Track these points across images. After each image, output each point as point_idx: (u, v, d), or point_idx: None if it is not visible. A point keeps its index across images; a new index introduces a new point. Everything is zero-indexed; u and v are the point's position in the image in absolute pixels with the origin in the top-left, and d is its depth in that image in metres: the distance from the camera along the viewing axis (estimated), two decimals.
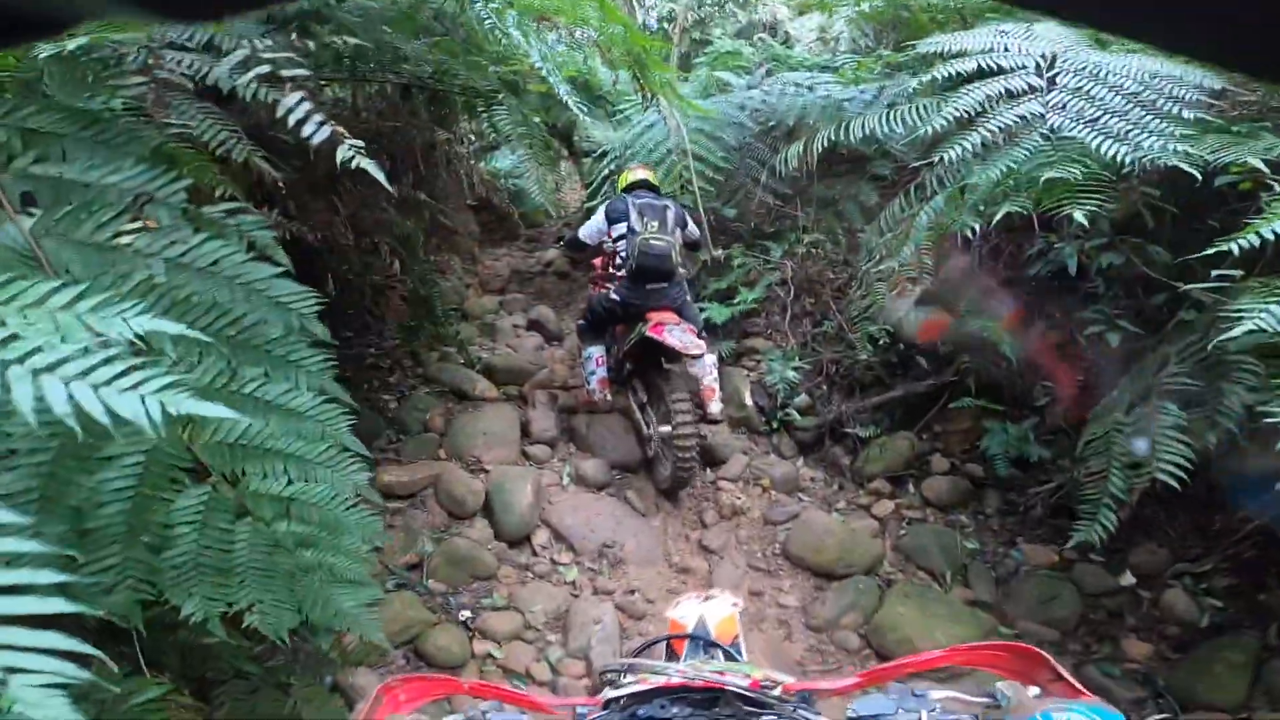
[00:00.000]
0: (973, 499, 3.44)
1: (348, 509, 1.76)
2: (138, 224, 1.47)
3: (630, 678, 1.14)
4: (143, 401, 0.95)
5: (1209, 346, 2.11)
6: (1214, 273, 2.02)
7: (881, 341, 3.55)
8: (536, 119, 3.28)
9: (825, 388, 3.89)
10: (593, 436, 3.72)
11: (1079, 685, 0.91)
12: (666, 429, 3.16)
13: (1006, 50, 2.75)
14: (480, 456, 3.48)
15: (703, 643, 1.54)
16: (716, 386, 3.27)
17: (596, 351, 3.55)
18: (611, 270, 3.45)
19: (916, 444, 3.63)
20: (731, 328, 4.17)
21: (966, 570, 3.18)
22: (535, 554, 3.20)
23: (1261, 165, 2.05)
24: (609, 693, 1.11)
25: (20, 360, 0.93)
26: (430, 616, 2.77)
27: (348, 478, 1.78)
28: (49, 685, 0.73)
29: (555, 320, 4.94)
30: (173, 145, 1.54)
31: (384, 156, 3.48)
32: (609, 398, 3.59)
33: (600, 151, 4.66)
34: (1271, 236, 1.80)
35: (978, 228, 2.65)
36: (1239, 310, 1.81)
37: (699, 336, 3.18)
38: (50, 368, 0.94)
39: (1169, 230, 2.67)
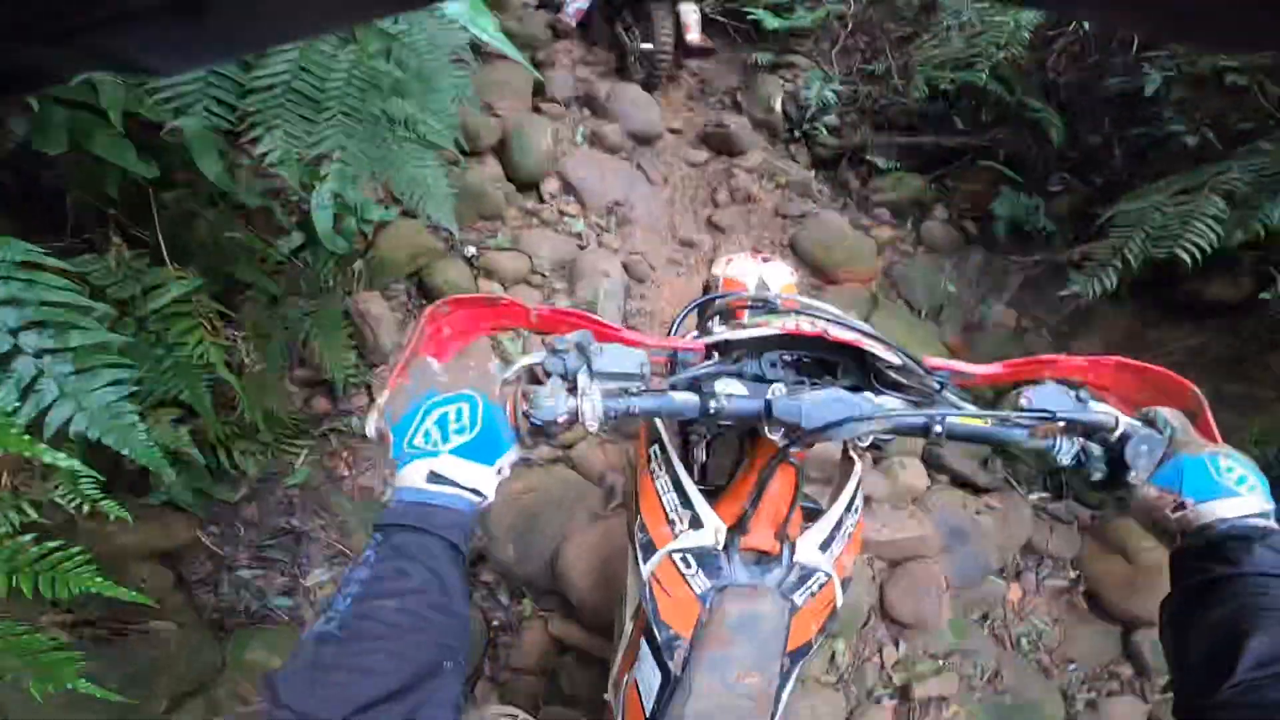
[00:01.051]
0: (960, 250, 3.64)
1: (445, 63, 1.68)
2: None
3: (729, 323, 1.00)
4: None
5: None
6: None
7: (943, 89, 3.48)
8: None
9: (856, 116, 3.87)
10: (612, 104, 3.60)
11: (1217, 433, 0.88)
12: (649, 45, 3.72)
13: None
14: (493, 103, 3.29)
15: (766, 307, 1.40)
16: (695, 22, 3.76)
17: None
18: None
19: (927, 188, 3.75)
20: (774, 40, 4.03)
21: (941, 311, 3.45)
22: (543, 201, 3.19)
23: None
24: (705, 336, 0.98)
25: None
26: (437, 245, 2.74)
27: (450, 32, 1.67)
28: None
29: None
30: None
31: None
32: (574, 24, 3.96)
33: None
34: None
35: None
36: None
37: None
38: None
39: None
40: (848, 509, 1.02)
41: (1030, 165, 3.59)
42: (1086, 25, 3.09)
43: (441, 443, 0.69)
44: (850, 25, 4.02)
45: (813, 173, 3.84)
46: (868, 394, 0.86)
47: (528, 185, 3.20)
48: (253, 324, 1.63)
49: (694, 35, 3.74)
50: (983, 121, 3.69)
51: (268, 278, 1.73)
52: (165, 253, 1.36)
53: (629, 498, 1.09)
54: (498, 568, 2.08)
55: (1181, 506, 0.78)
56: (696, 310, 1.21)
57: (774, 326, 0.89)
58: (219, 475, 1.72)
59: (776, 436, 0.83)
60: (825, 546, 0.96)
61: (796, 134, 3.88)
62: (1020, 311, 3.53)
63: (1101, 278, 2.65)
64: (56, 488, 1.05)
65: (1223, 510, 0.76)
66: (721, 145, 3.74)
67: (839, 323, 0.90)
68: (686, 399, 0.80)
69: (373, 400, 1.54)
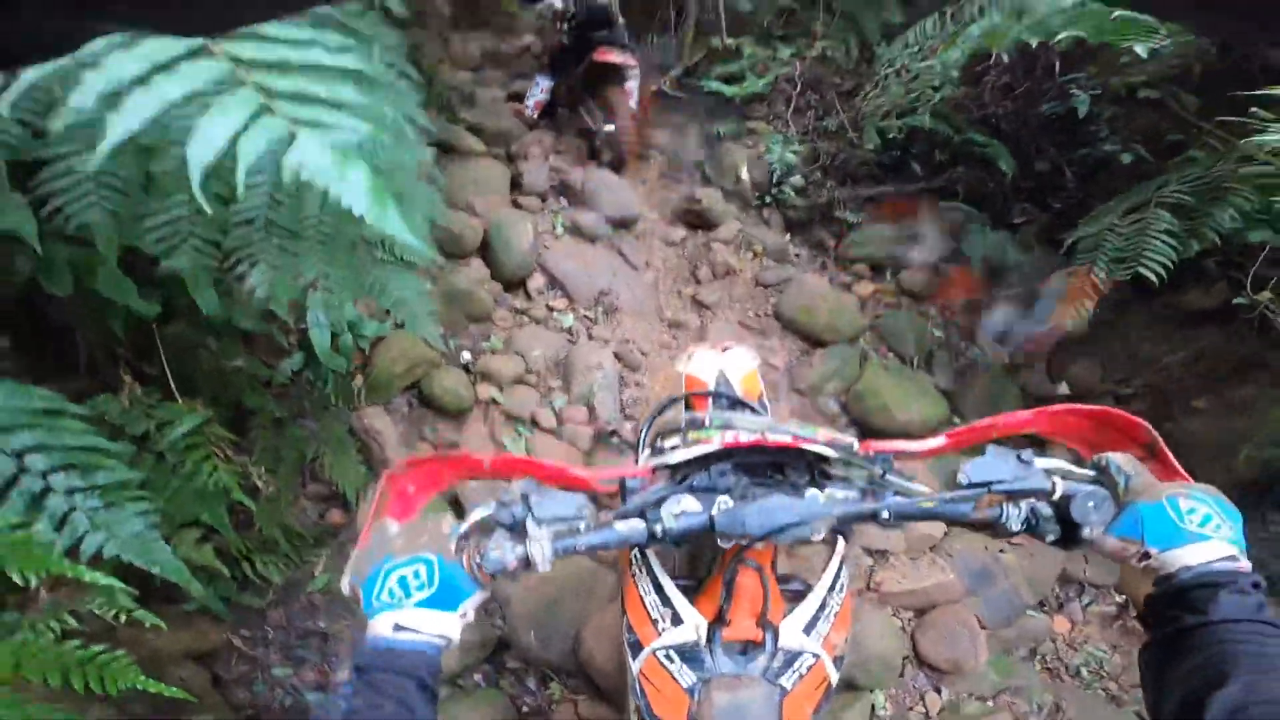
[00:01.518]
0: (944, 294, 3.76)
1: (414, 182, 1.81)
2: None
3: (675, 440, 1.03)
4: None
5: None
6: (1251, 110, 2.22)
7: (890, 138, 3.68)
8: None
9: (820, 174, 4.05)
10: (587, 191, 3.77)
11: (1179, 466, 0.88)
12: (611, 127, 4.04)
13: None
14: (472, 202, 3.48)
15: (727, 401, 1.40)
16: (634, 88, 4.13)
17: (546, 81, 4.41)
18: (565, 25, 4.30)
19: (899, 237, 3.86)
20: (732, 109, 4.34)
21: (931, 357, 3.53)
22: (530, 298, 3.31)
23: None
24: (650, 459, 1.03)
25: None
26: (432, 355, 2.82)
27: (415, 150, 1.81)
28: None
29: None
30: None
31: None
32: (535, 115, 4.43)
33: None
34: None
35: (1034, 42, 2.73)
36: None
37: (634, 60, 4.08)
38: None
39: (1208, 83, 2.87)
40: (831, 589, 1.07)
41: (991, 200, 3.77)
42: (1006, 57, 3.25)
43: (405, 598, 0.78)
44: (799, 85, 4.27)
45: (787, 236, 4.00)
46: (814, 490, 0.90)
47: (514, 283, 3.33)
48: (262, 448, 1.72)
49: (633, 101, 4.11)
50: (937, 163, 3.88)
51: (273, 400, 1.84)
52: (173, 385, 1.46)
53: (619, 600, 1.15)
54: (522, 655, 2.12)
55: (1146, 555, 0.79)
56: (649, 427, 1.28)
57: (715, 442, 0.94)
58: (245, 584, 1.82)
59: (727, 546, 0.89)
60: (810, 628, 1.01)
61: (767, 199, 4.05)
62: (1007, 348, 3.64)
63: (1077, 307, 2.76)
64: (95, 600, 1.13)
65: (1187, 557, 0.76)
66: (697, 220, 3.90)
67: (771, 429, 0.94)
68: (632, 527, 0.86)
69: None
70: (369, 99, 1.60)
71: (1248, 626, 0.72)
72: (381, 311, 2.65)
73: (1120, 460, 0.85)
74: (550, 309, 3.31)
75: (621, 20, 4.28)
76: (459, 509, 2.33)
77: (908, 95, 3.44)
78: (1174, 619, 0.76)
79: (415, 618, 0.77)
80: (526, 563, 0.82)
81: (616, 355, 3.16)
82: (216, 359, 1.66)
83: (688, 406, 1.44)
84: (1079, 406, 0.95)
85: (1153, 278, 2.52)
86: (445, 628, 0.79)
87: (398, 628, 0.77)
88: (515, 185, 3.80)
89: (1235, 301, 2.54)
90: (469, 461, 0.96)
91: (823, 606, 1.04)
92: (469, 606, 0.82)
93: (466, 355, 2.98)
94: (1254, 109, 2.22)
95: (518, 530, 0.82)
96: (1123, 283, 2.76)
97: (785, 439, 0.91)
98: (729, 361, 1.53)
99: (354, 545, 0.86)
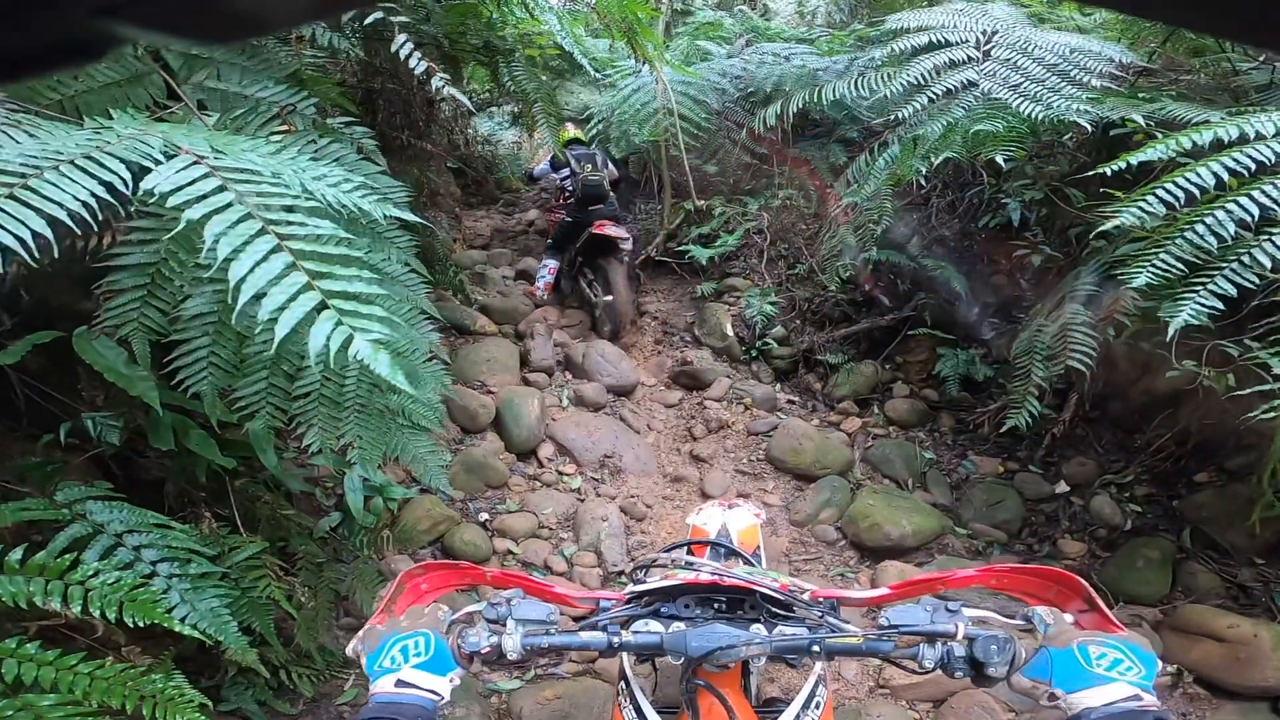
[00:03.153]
0: (929, 419, 4.16)
1: (424, 361, 2.41)
2: (284, 127, 2.11)
3: (655, 574, 1.23)
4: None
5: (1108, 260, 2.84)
6: (1101, 189, 2.67)
7: (848, 277, 4.24)
8: (544, 76, 3.96)
9: (799, 321, 4.60)
10: (589, 364, 4.38)
11: (1113, 618, 0.97)
12: (609, 298, 4.69)
13: (955, 27, 3.52)
14: (485, 380, 4.12)
15: (724, 549, 1.62)
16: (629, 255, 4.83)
17: (553, 262, 5.16)
18: (564, 201, 5.10)
19: (880, 371, 4.37)
20: (712, 269, 4.97)
21: (925, 478, 3.88)
22: (542, 465, 3.82)
23: (1141, 121, 2.79)
24: (631, 588, 1.21)
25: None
26: (454, 515, 3.33)
27: (425, 335, 2.43)
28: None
29: None
30: (307, 70, 2.20)
31: (388, 110, 4.13)
32: (546, 297, 5.15)
33: (587, 114, 5.38)
34: (1136, 164, 2.55)
35: (924, 169, 3.38)
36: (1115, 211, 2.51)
37: (627, 233, 4.80)
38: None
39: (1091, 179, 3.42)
40: (805, 705, 1.23)
41: (958, 320, 4.18)
42: (924, 180, 3.74)
43: (404, 662, 0.98)
44: (768, 236, 4.89)
45: (775, 386, 4.51)
46: (758, 624, 1.09)
47: (525, 453, 3.86)
48: (304, 579, 2.19)
49: (629, 271, 4.79)
50: (902, 293, 4.36)
51: (315, 545, 2.33)
52: (239, 524, 1.97)
53: None
54: None
55: (1054, 696, 0.89)
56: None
57: (679, 578, 1.16)
58: (280, 692, 2.15)
59: (678, 664, 1.07)
60: None
61: (753, 352, 4.59)
62: (1002, 457, 3.97)
63: (1026, 408, 3.11)
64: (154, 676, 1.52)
65: (1091, 699, 0.85)
66: (690, 382, 4.45)
67: (728, 574, 1.13)
68: (593, 636, 1.06)
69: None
70: (389, 290, 2.24)
71: None
72: (408, 478, 3.20)
73: (1043, 612, 0.98)
74: (560, 474, 3.80)
75: (613, 194, 5.07)
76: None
77: (856, 233, 3.99)
78: None
79: (414, 675, 0.97)
80: (499, 651, 1.03)
81: (622, 509, 3.59)
82: (272, 508, 2.18)
83: (689, 553, 1.62)
84: (1023, 566, 1.09)
85: (1081, 368, 2.88)
86: (438, 686, 0.98)
87: (399, 683, 0.96)
88: (524, 362, 4.44)
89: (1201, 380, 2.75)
90: (474, 572, 1.17)
91: None
92: (455, 675, 1.02)
93: (484, 515, 3.45)
94: (1105, 190, 2.59)
95: (499, 624, 1.04)
96: (1097, 378, 3.06)
97: (738, 581, 1.11)
98: (732, 516, 1.82)
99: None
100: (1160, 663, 0.93)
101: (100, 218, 1.17)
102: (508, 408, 3.88)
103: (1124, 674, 0.85)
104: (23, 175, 1.12)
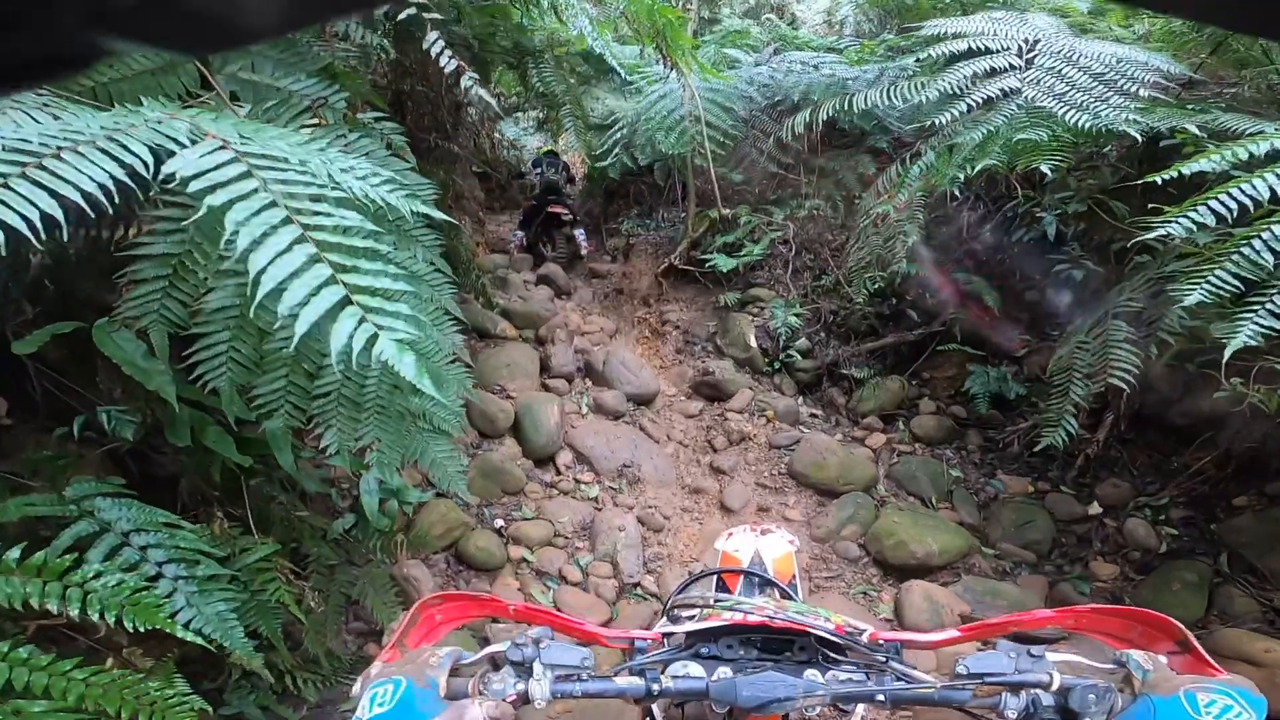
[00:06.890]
0: (957, 436, 4.05)
1: (448, 364, 2.35)
2: (315, 120, 2.06)
3: (692, 611, 1.12)
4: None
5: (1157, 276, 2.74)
6: (1149, 203, 2.58)
7: (876, 289, 4.13)
8: (571, 79, 3.92)
9: (824, 334, 4.52)
10: (609, 371, 4.31)
11: (1211, 661, 0.90)
12: (559, 253, 6.38)
13: (995, 34, 3.44)
14: (505, 385, 4.06)
15: (759, 579, 1.51)
16: (584, 242, 6.28)
17: (522, 233, 6.55)
18: (533, 194, 6.69)
19: (906, 387, 4.27)
20: (736, 279, 4.87)
21: (951, 496, 3.77)
22: (559, 473, 3.74)
23: (1195, 130, 2.72)
24: (665, 623, 1.13)
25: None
26: (469, 520, 3.27)
27: (449, 336, 2.37)
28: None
29: (564, 278, 5.66)
30: (339, 65, 2.15)
31: (416, 112, 4.10)
32: (516, 254, 6.42)
33: (613, 119, 5.32)
34: (1187, 175, 2.45)
35: (962, 177, 3.29)
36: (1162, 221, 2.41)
37: (571, 213, 6.38)
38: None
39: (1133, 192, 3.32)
40: None
41: (990, 335, 4.07)
42: (958, 192, 3.61)
43: (365, 713, 0.87)
44: (794, 246, 4.80)
45: (799, 399, 4.42)
46: (813, 670, 0.99)
47: (543, 459, 3.79)
48: (315, 584, 2.12)
49: (583, 251, 6.22)
50: (931, 307, 4.25)
51: (327, 547, 2.26)
52: (252, 525, 1.91)
53: None
54: None
55: None
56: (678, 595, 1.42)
57: (724, 618, 1.04)
58: (284, 697, 2.09)
59: (722, 713, 0.97)
60: None
61: (776, 364, 4.50)
62: (1033, 477, 3.85)
63: (1063, 426, 3.01)
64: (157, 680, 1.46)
65: None
66: (711, 393, 4.38)
67: (779, 615, 1.04)
68: (630, 682, 0.94)
69: None
70: (415, 287, 2.18)
71: None
72: (424, 482, 3.13)
73: (1139, 656, 0.90)
74: (578, 482, 3.73)
75: (567, 188, 6.77)
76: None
77: (885, 243, 3.89)
78: None
79: None
80: (525, 698, 0.91)
81: (639, 519, 3.52)
82: (286, 510, 2.12)
83: (719, 582, 1.56)
84: (1106, 607, 1.02)
85: (1122, 386, 2.79)
86: None
87: None
88: (544, 368, 4.38)
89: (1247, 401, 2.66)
90: (496, 604, 1.06)
91: None
92: None
93: (500, 521, 3.38)
94: (1152, 204, 2.47)
95: (526, 668, 0.92)
96: (1134, 398, 2.96)
97: (792, 623, 1.01)
98: (766, 543, 1.69)
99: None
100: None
101: (117, 201, 1.10)
102: (527, 413, 3.82)
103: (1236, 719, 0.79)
104: (38, 155, 1.07)
